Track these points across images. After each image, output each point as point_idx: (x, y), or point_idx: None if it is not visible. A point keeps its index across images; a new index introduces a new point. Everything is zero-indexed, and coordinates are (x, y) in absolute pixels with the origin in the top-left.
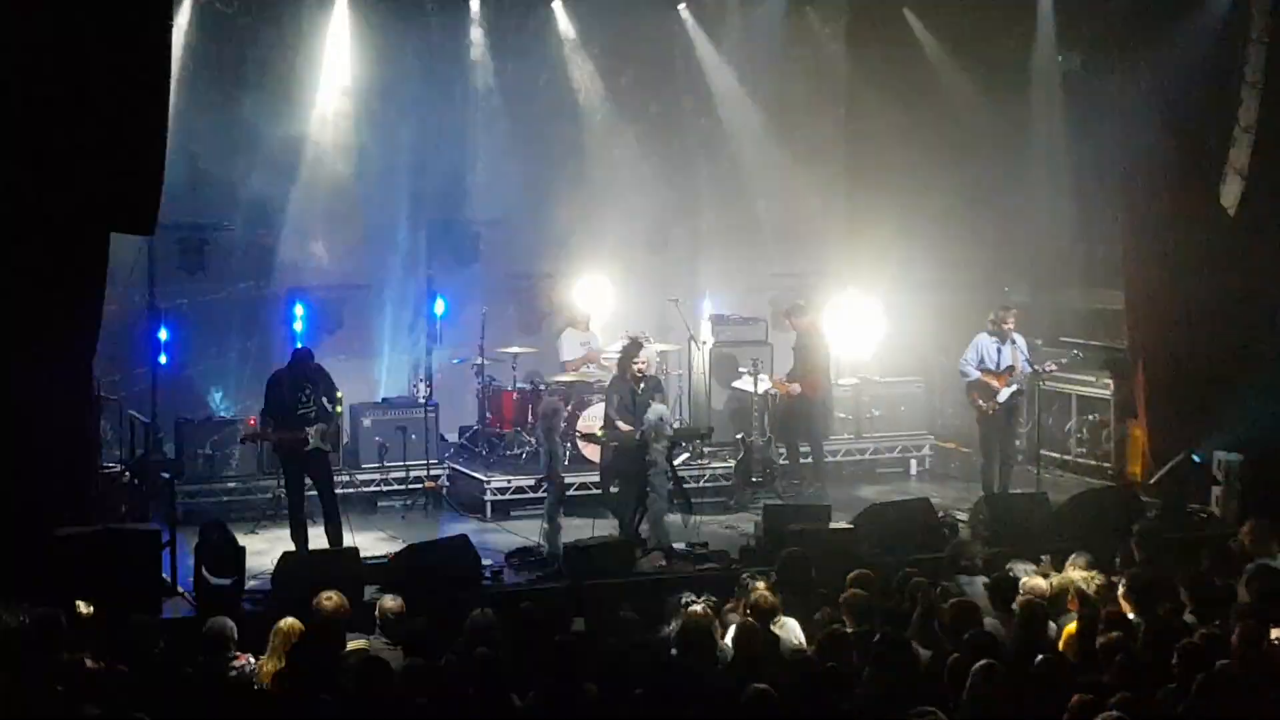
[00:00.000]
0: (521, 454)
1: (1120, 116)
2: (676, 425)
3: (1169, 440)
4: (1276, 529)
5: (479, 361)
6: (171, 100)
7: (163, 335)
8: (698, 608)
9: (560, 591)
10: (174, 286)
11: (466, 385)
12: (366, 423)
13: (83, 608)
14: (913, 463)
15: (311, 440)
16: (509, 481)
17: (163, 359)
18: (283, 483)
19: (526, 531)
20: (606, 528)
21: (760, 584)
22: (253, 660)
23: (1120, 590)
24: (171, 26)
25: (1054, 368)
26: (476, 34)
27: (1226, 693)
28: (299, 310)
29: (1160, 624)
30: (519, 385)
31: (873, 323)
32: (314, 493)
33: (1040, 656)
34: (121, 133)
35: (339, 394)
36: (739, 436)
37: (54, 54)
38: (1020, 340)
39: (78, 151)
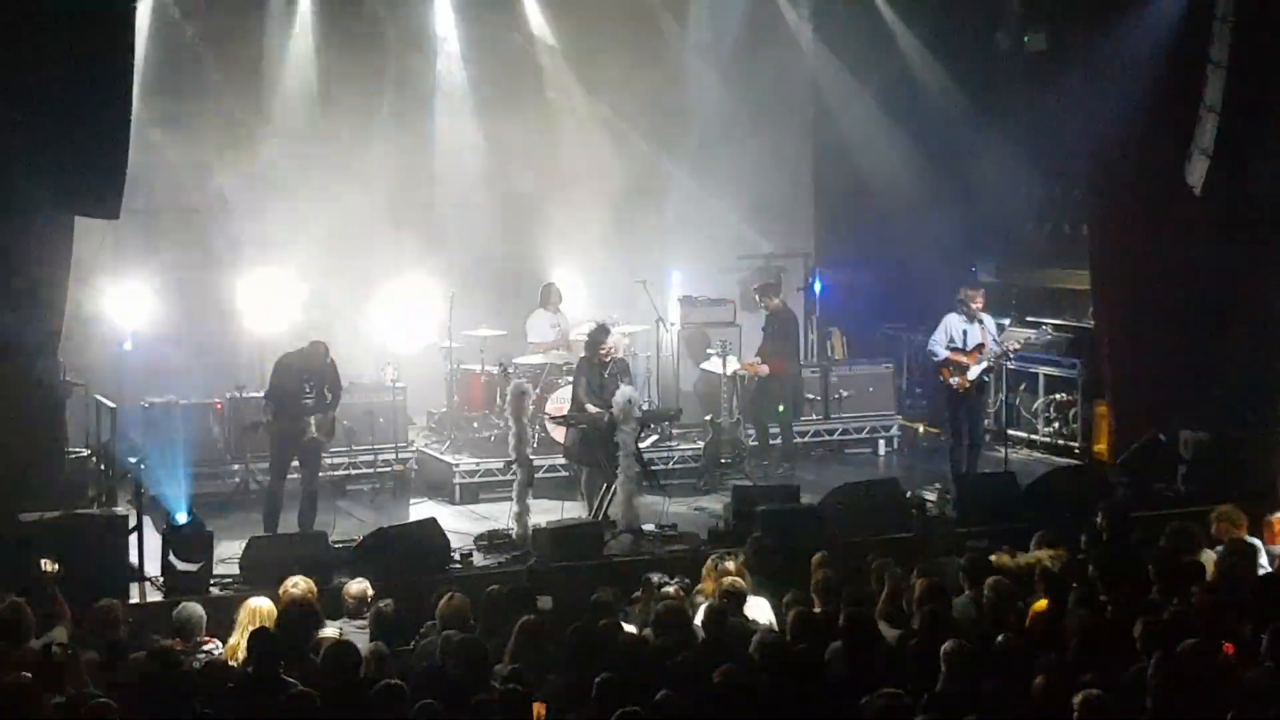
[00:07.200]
0: (490, 437)
1: (1086, 96)
2: (645, 407)
3: (1136, 419)
4: (1244, 514)
5: (447, 344)
6: (136, 83)
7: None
8: (670, 589)
9: (528, 574)
10: (139, 270)
11: (435, 368)
12: None
13: (46, 565)
14: (881, 443)
15: (310, 430)
16: (478, 464)
17: (128, 345)
18: (268, 465)
19: (495, 514)
20: (575, 510)
21: (730, 564)
22: (220, 645)
23: (1087, 569)
24: (135, 10)
25: (1017, 346)
26: (442, 17)
27: (1193, 670)
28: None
29: (1126, 602)
30: (487, 368)
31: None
32: (295, 476)
33: (1005, 635)
34: (86, 117)
35: (341, 388)
36: (707, 418)
37: (19, 40)
38: (989, 320)
39: (42, 136)
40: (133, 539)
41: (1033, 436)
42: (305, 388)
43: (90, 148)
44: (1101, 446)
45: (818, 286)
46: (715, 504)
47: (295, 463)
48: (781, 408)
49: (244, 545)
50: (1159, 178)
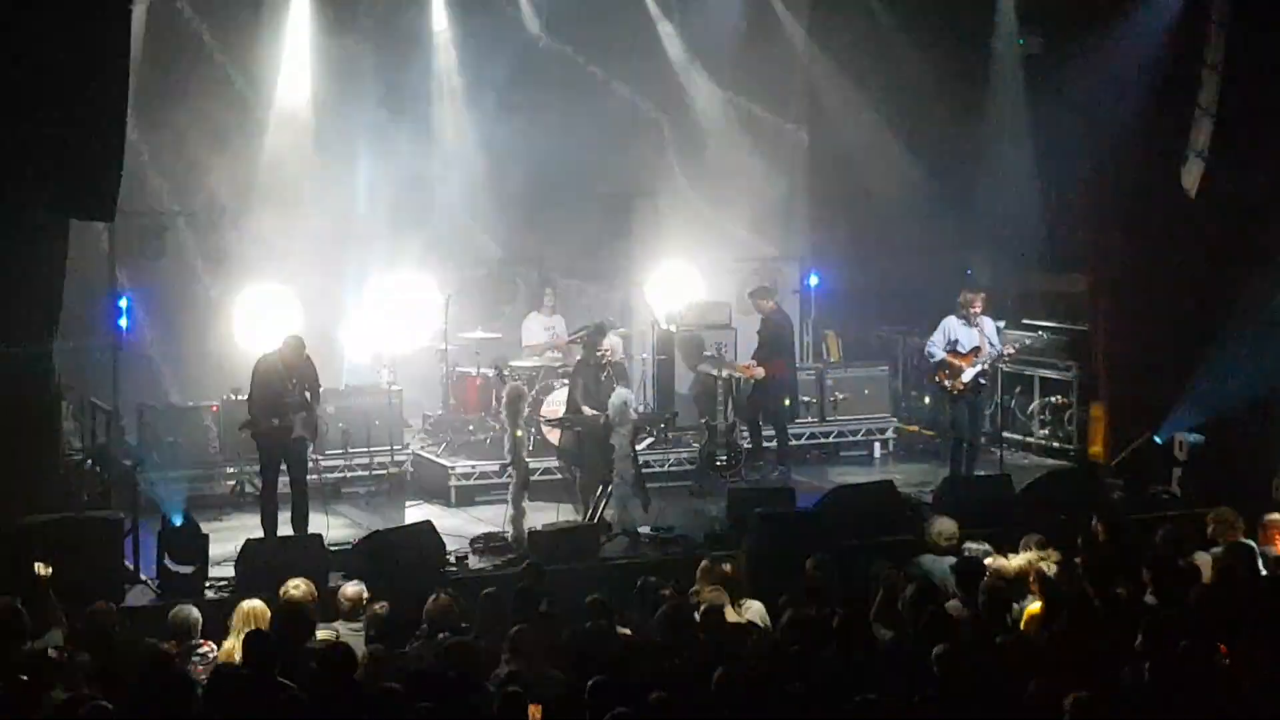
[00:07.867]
0: (486, 439)
1: (1081, 98)
2: (640, 410)
3: (1131, 422)
4: (1240, 516)
5: (443, 347)
6: (131, 86)
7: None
8: (666, 592)
9: (525, 574)
10: (135, 273)
11: (431, 371)
12: (330, 409)
13: (40, 569)
14: (877, 446)
15: (296, 429)
16: (473, 467)
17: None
18: (259, 468)
19: (491, 517)
20: (571, 513)
21: (726, 567)
22: (216, 648)
23: (1081, 571)
24: (131, 11)
25: (1013, 350)
26: (439, 21)
27: (1189, 673)
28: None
29: (1121, 604)
30: (483, 370)
31: None
32: (286, 478)
33: (1001, 638)
34: (81, 120)
35: (320, 387)
36: (703, 421)
37: (13, 42)
38: (988, 323)
39: (37, 139)
40: (128, 542)
41: (1028, 439)
42: (288, 386)
43: (85, 150)
44: (1097, 449)
45: (814, 280)
46: (711, 506)
47: (284, 464)
48: (784, 403)
49: (239, 548)
50: (1154, 180)
